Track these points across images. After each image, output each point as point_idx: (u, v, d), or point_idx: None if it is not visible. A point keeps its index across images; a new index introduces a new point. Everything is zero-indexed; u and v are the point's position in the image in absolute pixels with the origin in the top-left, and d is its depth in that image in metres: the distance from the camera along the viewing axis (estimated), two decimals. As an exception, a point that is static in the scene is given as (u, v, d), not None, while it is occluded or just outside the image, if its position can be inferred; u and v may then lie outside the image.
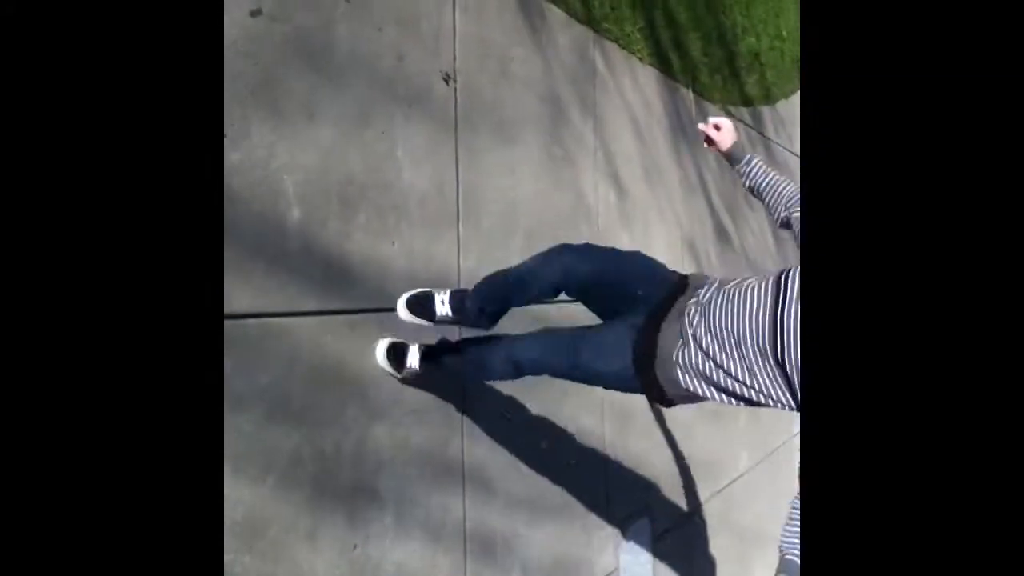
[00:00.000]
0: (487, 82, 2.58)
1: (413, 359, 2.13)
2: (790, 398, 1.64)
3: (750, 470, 4.93)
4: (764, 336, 1.59)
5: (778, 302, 1.58)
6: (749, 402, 1.70)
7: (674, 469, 3.88)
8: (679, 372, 1.71)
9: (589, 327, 1.91)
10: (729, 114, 4.63)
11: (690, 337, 1.69)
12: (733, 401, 1.71)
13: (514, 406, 2.65)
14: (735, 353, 1.64)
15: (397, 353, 2.13)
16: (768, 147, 5.38)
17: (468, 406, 2.45)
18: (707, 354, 1.67)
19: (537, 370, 1.96)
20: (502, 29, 2.66)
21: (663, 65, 3.81)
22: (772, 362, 1.59)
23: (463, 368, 2.21)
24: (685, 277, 1.89)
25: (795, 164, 5.96)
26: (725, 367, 1.66)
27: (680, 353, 1.71)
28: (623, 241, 3.41)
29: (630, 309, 1.83)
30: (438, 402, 2.33)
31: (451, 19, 2.43)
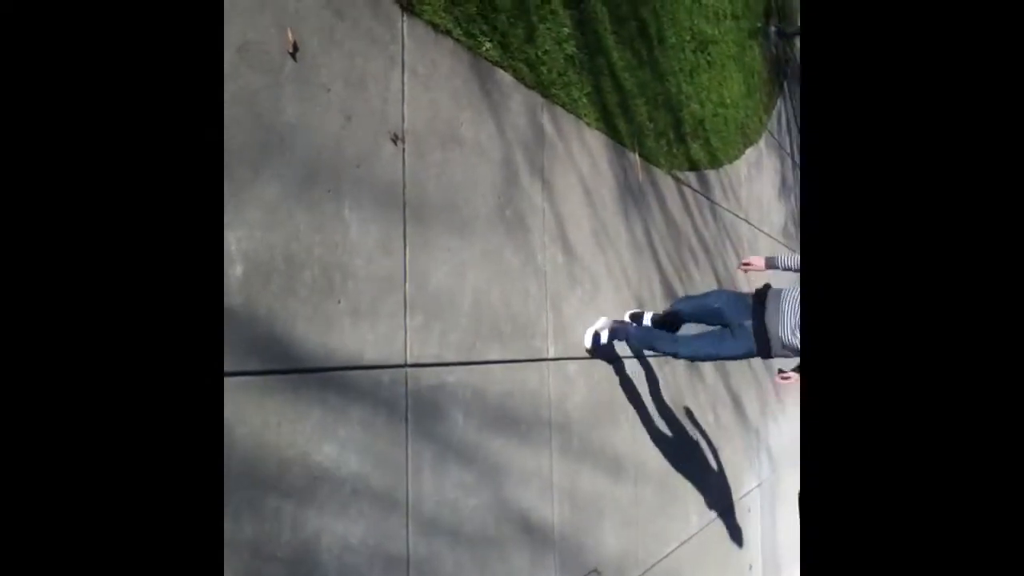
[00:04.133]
0: (436, 144, 2.61)
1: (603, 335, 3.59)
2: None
3: (700, 531, 4.91)
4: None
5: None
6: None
7: (624, 533, 3.84)
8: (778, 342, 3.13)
9: (717, 331, 3.36)
10: (675, 178, 4.74)
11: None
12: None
13: (465, 487, 2.62)
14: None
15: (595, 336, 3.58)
16: (715, 211, 5.50)
17: (413, 465, 2.41)
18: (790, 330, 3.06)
19: (692, 357, 3.59)
20: (451, 92, 2.70)
21: (610, 129, 3.89)
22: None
23: (640, 344, 3.74)
24: (761, 292, 3.26)
25: (742, 227, 6.09)
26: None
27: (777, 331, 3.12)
28: (572, 301, 3.44)
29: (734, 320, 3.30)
30: (382, 457, 2.29)
31: (400, 81, 2.46)
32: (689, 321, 3.63)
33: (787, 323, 3.06)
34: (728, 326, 3.30)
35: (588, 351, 3.60)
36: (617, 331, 3.62)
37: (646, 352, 4.05)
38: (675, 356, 3.52)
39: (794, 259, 3.37)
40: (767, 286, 3.28)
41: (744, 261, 3.51)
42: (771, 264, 3.41)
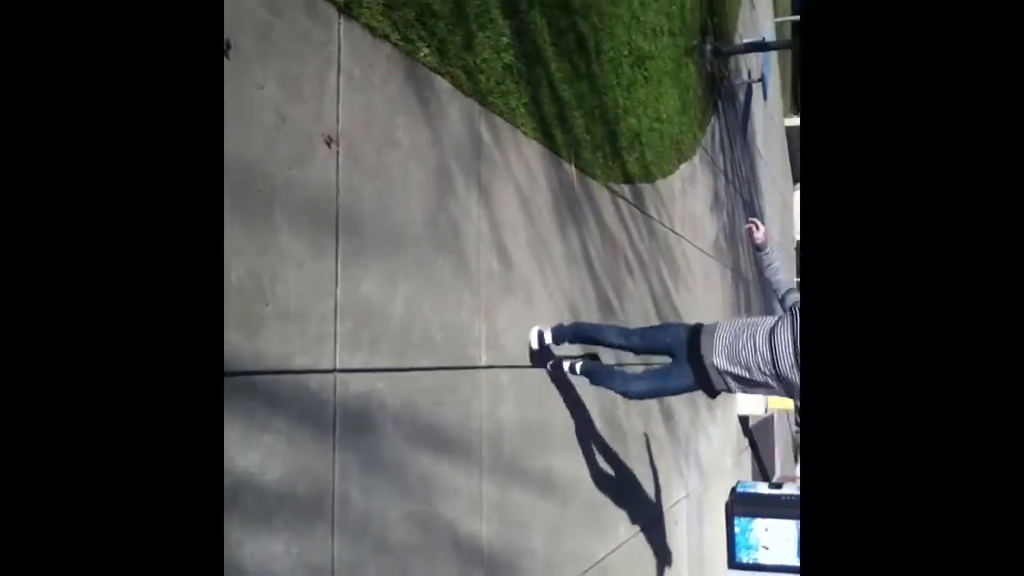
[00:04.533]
0: (371, 148, 2.58)
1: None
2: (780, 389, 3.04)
3: (628, 541, 4.95)
4: (766, 360, 3.00)
5: (771, 344, 2.98)
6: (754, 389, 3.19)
7: (551, 543, 3.85)
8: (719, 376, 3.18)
9: (663, 368, 3.41)
10: (611, 190, 4.79)
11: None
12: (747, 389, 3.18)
13: (392, 496, 2.59)
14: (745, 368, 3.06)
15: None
16: (649, 224, 5.58)
17: (340, 473, 2.37)
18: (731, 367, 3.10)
19: (640, 396, 3.57)
20: (387, 96, 2.68)
21: (547, 140, 3.92)
22: (771, 374, 2.99)
23: (594, 374, 3.66)
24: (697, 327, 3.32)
25: (675, 241, 6.19)
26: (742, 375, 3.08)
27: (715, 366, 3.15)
28: (505, 310, 3.44)
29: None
30: (308, 464, 2.25)
31: (335, 84, 2.43)
32: (641, 353, 3.66)
33: (722, 351, 3.11)
34: (674, 358, 3.34)
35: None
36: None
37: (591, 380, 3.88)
38: (625, 395, 3.55)
39: (776, 276, 3.31)
40: (700, 325, 3.35)
41: (752, 222, 3.44)
42: (761, 250, 3.34)
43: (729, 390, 3.20)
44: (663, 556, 5.60)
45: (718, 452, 7.69)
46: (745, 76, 10.05)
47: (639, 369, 3.62)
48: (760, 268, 3.39)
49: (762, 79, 10.48)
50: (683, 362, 3.25)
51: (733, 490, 8.07)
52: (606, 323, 3.87)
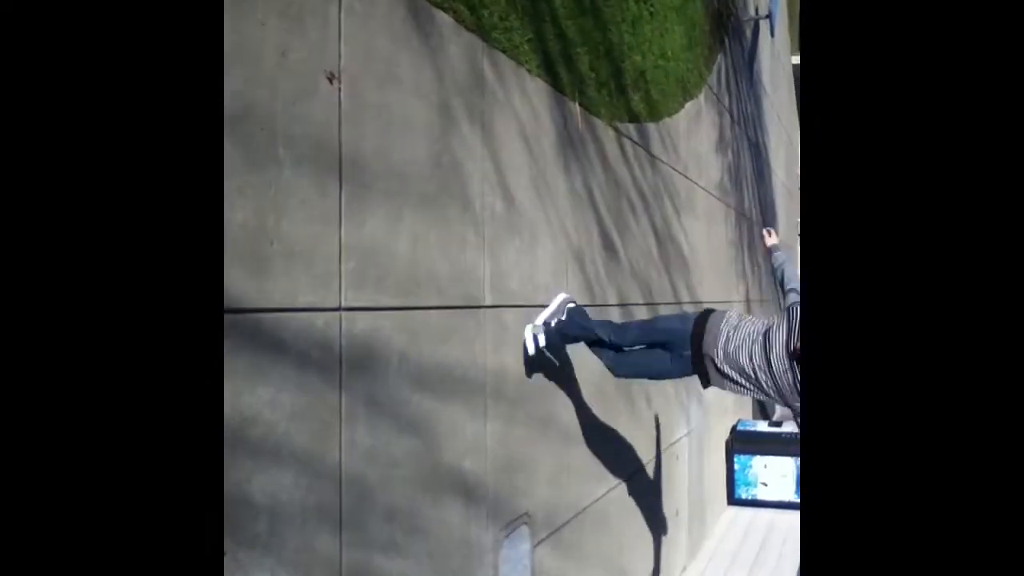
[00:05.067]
0: (373, 84, 2.55)
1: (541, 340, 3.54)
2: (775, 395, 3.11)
3: (630, 478, 5.03)
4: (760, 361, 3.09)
5: (765, 346, 3.08)
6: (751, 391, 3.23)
7: (555, 480, 3.92)
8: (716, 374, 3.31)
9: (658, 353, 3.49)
10: (615, 130, 4.74)
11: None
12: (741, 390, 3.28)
13: (399, 431, 2.63)
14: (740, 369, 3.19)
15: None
16: (654, 164, 5.54)
17: (347, 411, 2.41)
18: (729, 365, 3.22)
19: (629, 375, 3.76)
20: (389, 32, 2.64)
21: (551, 78, 3.87)
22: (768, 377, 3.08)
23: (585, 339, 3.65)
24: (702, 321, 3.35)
25: (680, 181, 6.15)
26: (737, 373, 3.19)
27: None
28: (509, 250, 3.44)
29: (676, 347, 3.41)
30: (315, 401, 2.28)
31: (336, 17, 2.39)
32: (636, 344, 3.61)
33: (723, 348, 3.17)
34: (670, 351, 3.41)
35: (532, 354, 3.55)
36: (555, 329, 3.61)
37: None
38: (612, 372, 3.66)
39: (788, 276, 3.37)
40: (709, 311, 3.38)
41: (768, 230, 3.88)
42: (772, 252, 3.65)
43: (723, 387, 3.32)
44: (664, 491, 5.70)
45: (719, 390, 7.76)
46: (752, 12, 9.85)
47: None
48: (772, 268, 3.54)
49: (769, 15, 10.27)
50: (680, 356, 3.33)
51: (733, 428, 8.17)
52: (599, 319, 3.77)
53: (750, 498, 7.85)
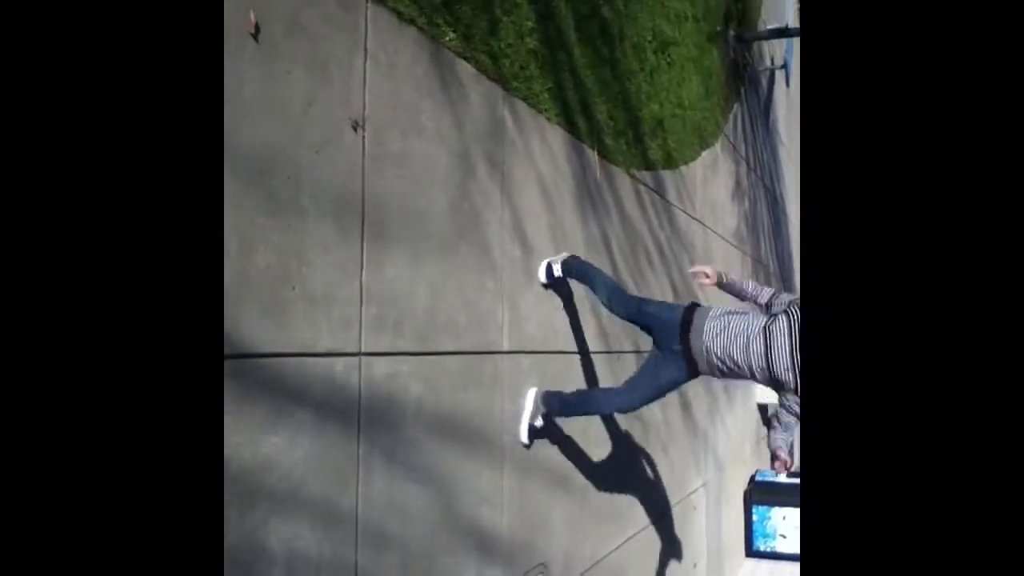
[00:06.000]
0: (396, 133, 2.59)
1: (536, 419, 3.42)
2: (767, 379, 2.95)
3: (646, 528, 4.96)
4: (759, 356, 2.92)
5: (767, 341, 2.90)
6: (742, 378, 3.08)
7: (571, 529, 3.86)
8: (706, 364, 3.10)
9: (650, 367, 3.29)
10: (633, 177, 4.77)
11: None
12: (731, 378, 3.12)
13: (416, 479, 2.61)
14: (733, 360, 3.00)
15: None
16: (670, 212, 5.55)
17: (364, 456, 2.40)
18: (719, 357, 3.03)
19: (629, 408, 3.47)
20: (413, 81, 2.68)
21: (570, 126, 3.91)
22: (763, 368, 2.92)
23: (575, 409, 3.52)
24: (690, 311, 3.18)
25: (696, 228, 6.16)
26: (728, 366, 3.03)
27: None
28: (528, 296, 3.45)
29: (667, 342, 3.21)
30: (333, 446, 2.27)
31: (362, 67, 2.43)
32: (623, 318, 3.45)
33: (714, 344, 3.03)
34: (659, 348, 3.24)
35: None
36: (550, 399, 3.47)
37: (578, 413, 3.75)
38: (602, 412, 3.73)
39: (759, 291, 3.25)
40: (695, 304, 3.23)
41: (698, 270, 3.29)
42: (722, 284, 3.27)
43: (712, 374, 3.15)
44: (681, 542, 5.61)
45: (737, 441, 7.68)
46: (768, 62, 9.96)
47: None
48: (734, 293, 3.31)
49: (785, 65, 10.38)
50: (667, 348, 3.19)
51: (752, 478, 8.06)
52: (605, 278, 3.63)
53: (769, 550, 7.71)
